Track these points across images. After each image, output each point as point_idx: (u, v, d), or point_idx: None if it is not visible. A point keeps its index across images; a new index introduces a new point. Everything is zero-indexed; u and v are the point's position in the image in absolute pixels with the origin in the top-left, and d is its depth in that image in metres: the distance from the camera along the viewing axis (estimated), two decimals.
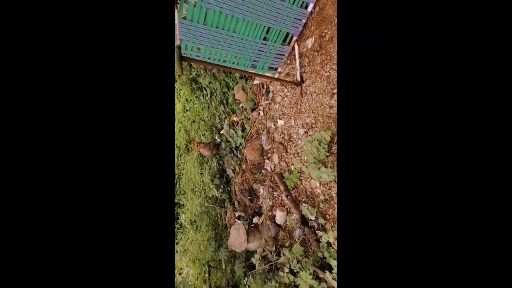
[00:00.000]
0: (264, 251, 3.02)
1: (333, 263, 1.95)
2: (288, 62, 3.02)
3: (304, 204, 2.62)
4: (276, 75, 3.11)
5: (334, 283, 1.90)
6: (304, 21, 2.65)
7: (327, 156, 2.31)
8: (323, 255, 2.17)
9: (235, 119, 3.83)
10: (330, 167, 2.31)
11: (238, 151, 3.79)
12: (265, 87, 3.41)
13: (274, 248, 2.88)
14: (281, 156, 3.05)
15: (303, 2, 2.49)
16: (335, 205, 2.25)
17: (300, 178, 2.71)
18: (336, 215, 2.17)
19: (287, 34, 2.74)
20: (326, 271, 2.02)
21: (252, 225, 3.22)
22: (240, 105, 3.75)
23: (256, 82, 3.47)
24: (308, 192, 2.64)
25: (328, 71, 2.50)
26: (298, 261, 2.36)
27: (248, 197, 3.40)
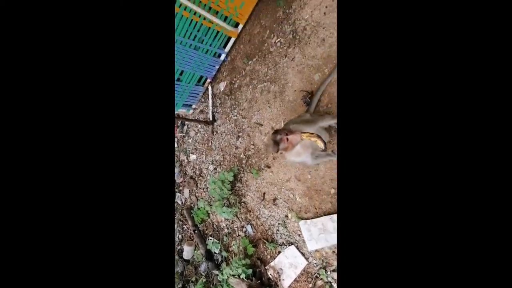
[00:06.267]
0: None
1: None
2: (203, 100, 3.22)
3: (210, 238, 2.74)
4: (191, 111, 3.25)
5: None
6: (217, 67, 2.93)
7: (230, 194, 2.53)
8: None
9: None
10: (233, 203, 2.52)
11: None
12: (181, 119, 3.48)
13: (180, 285, 2.85)
14: (192, 190, 3.12)
15: (215, 52, 2.76)
16: (238, 238, 2.45)
17: (208, 212, 2.84)
18: (238, 247, 2.36)
19: (201, 76, 2.94)
20: None
21: None
22: None
23: None
24: (214, 226, 2.78)
25: (236, 115, 2.81)
26: None
27: None
